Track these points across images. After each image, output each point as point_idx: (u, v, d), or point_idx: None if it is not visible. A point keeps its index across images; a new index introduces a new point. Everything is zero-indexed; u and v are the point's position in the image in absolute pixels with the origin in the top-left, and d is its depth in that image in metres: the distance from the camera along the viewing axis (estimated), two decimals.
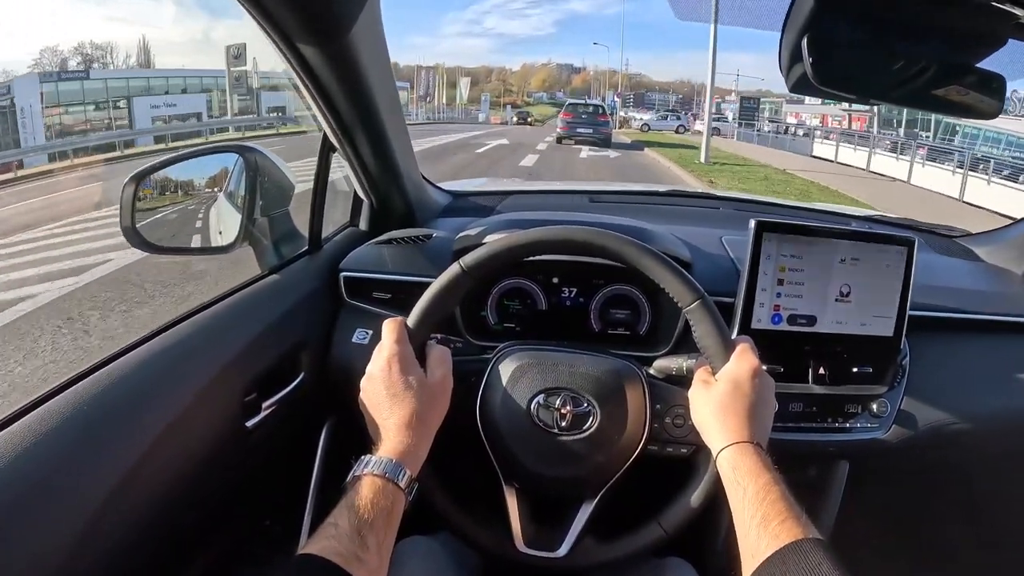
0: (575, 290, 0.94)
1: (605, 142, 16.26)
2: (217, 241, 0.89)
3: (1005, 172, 10.91)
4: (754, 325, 0.82)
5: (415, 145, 1.09)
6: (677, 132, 28.24)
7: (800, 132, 22.01)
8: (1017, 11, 0.57)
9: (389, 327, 0.63)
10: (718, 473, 0.59)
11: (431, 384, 0.62)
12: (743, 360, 0.62)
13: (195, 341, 0.72)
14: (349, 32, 0.72)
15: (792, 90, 0.70)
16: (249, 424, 0.76)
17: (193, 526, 0.73)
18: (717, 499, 0.62)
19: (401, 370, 0.60)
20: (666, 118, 33.37)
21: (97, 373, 0.62)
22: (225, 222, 0.88)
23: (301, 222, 0.96)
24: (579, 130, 16.42)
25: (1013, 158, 12.43)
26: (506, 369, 0.70)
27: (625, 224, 0.92)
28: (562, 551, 0.68)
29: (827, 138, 18.78)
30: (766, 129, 23.84)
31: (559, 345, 0.74)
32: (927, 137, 17.15)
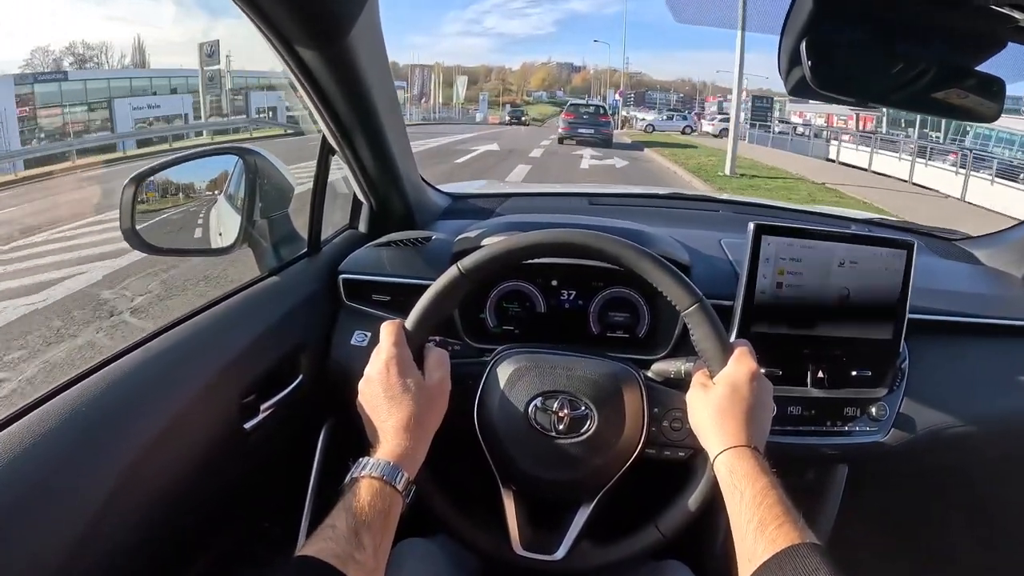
0: (574, 293, 0.94)
1: (606, 142, 16.36)
2: (217, 243, 0.90)
3: None
4: (753, 328, 0.82)
5: None
6: (684, 133, 27.40)
7: (818, 134, 20.65)
8: (1017, 14, 0.57)
9: (387, 329, 0.63)
10: (715, 477, 0.59)
11: (429, 387, 0.62)
12: (741, 363, 0.62)
13: (194, 343, 0.72)
14: (348, 34, 0.72)
15: (791, 93, 0.70)
16: (247, 426, 0.76)
17: (192, 527, 0.73)
18: (715, 503, 0.62)
19: (399, 373, 0.60)
20: (671, 118, 32.21)
21: (96, 374, 0.62)
22: (225, 224, 0.89)
23: (300, 224, 0.97)
24: (580, 130, 16.55)
25: None
26: (504, 372, 0.70)
27: (624, 227, 0.92)
28: (559, 554, 0.68)
29: (845, 140, 17.04)
30: (777, 130, 22.29)
31: (557, 348, 0.74)
32: (937, 138, 16.42)
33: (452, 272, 0.67)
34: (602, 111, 18.52)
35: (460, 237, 0.95)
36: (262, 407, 0.79)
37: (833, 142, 17.63)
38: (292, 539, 0.87)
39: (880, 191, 10.61)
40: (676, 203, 1.39)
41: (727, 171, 11.51)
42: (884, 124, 19.53)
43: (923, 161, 13.01)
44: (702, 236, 1.03)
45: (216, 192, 0.90)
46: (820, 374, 0.83)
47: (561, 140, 16.56)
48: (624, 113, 36.32)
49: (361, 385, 0.62)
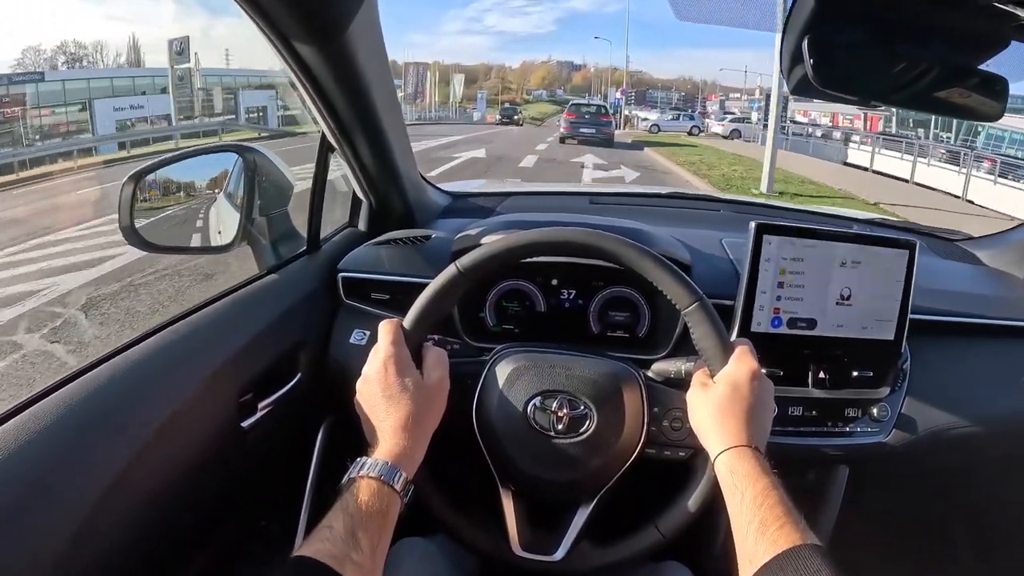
0: (574, 292, 0.93)
1: (607, 142, 16.42)
2: (216, 241, 0.90)
3: None
4: (754, 328, 0.82)
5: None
6: (691, 134, 26.08)
7: (827, 134, 19.21)
8: (1020, 12, 0.56)
9: (385, 328, 0.63)
10: (716, 477, 0.58)
11: (427, 386, 0.61)
12: (742, 363, 0.62)
13: (192, 341, 0.72)
14: (346, 31, 0.72)
15: (793, 92, 0.70)
16: (245, 424, 0.76)
17: (189, 526, 0.73)
18: (715, 503, 0.62)
19: (397, 372, 0.60)
20: (678, 117, 30.10)
21: (92, 372, 0.62)
22: (224, 222, 0.88)
23: (300, 222, 0.96)
24: (582, 130, 16.64)
25: None
26: (503, 371, 0.70)
27: (624, 226, 0.92)
28: (559, 555, 0.68)
29: (863, 143, 15.34)
30: (793, 132, 19.45)
31: (557, 347, 0.74)
32: (948, 138, 15.80)
33: (450, 271, 0.66)
34: (603, 111, 18.59)
35: (459, 236, 0.95)
36: (260, 405, 0.79)
37: (852, 144, 16.13)
38: (290, 537, 0.86)
39: (951, 215, 8.52)
40: (677, 202, 1.39)
41: (764, 188, 9.57)
42: (893, 124, 18.90)
43: (955, 168, 11.26)
44: (703, 235, 1.03)
45: (216, 190, 0.90)
46: (821, 374, 0.82)
47: (563, 140, 16.64)
48: (626, 112, 35.40)
49: (359, 384, 0.62)
